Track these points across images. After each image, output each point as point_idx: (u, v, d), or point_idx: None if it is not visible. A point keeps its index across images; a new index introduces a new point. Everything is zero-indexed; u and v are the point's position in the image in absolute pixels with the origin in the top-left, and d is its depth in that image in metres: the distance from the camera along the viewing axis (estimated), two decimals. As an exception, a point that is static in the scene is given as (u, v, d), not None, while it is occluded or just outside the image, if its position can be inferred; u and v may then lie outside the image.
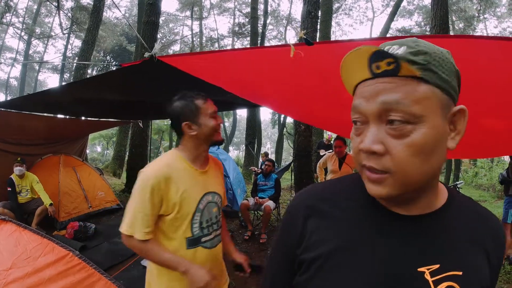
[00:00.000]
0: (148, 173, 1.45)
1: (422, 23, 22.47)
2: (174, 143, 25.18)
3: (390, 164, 0.56)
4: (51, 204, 4.96)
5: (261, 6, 21.84)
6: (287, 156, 30.94)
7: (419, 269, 0.59)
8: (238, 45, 27.42)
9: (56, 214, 5.27)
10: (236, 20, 25.72)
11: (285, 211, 0.77)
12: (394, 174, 0.56)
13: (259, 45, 17.46)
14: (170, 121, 1.64)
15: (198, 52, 1.71)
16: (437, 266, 0.60)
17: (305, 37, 1.22)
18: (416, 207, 0.63)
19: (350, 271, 0.61)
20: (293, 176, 7.55)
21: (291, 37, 26.91)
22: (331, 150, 5.19)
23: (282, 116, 26.07)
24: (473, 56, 1.17)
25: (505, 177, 4.61)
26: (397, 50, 0.56)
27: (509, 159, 4.76)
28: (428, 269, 0.59)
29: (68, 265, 2.23)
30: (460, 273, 0.60)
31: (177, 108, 1.54)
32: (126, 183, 8.95)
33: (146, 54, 1.73)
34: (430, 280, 0.59)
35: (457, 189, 6.65)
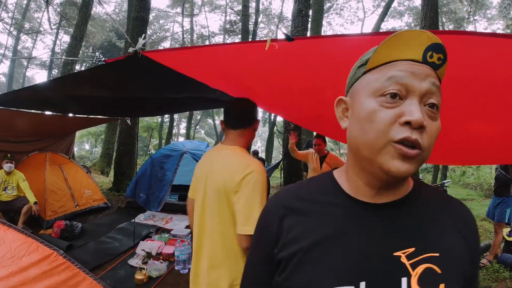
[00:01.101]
0: (262, 169, 1.54)
1: (412, 24, 22.70)
2: (163, 141, 25.00)
3: (426, 141, 0.59)
4: (35, 203, 4.87)
5: (253, 4, 21.83)
6: (278, 155, 30.98)
7: (395, 254, 0.61)
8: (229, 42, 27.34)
9: (42, 213, 5.20)
10: (228, 18, 25.66)
11: (261, 213, 0.78)
12: (425, 151, 0.59)
13: (250, 43, 17.42)
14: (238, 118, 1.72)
15: (183, 47, 1.67)
16: (412, 249, 0.61)
17: (285, 32, 1.23)
18: (388, 195, 0.66)
19: (328, 263, 0.62)
20: (282, 174, 7.55)
21: (282, 35, 26.91)
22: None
23: (273, 114, 26.11)
24: (464, 54, 1.16)
25: (508, 177, 4.49)
26: (444, 49, 0.61)
27: None
28: (403, 253, 0.61)
29: (52, 265, 2.21)
30: (437, 254, 0.61)
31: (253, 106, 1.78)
32: (114, 181, 8.85)
33: (131, 49, 1.69)
34: (407, 263, 0.60)
35: (444, 187, 6.74)
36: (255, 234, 0.78)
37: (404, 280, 0.59)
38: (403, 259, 0.60)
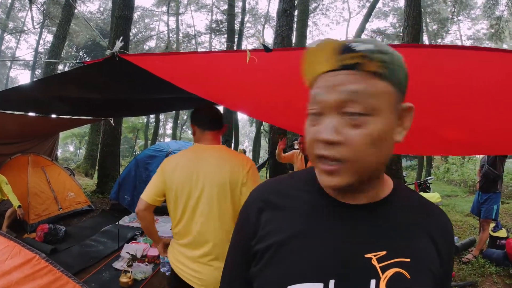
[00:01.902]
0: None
1: (397, 25, 23.00)
2: (149, 142, 24.76)
3: (347, 153, 0.58)
4: (19, 206, 4.77)
5: (239, 4, 21.78)
6: (265, 154, 31.03)
7: (366, 255, 0.62)
8: (215, 42, 27.26)
9: (26, 216, 5.10)
10: (214, 17, 25.54)
11: (242, 205, 0.79)
12: (350, 163, 0.58)
13: (236, 42, 17.39)
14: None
15: (162, 53, 1.67)
16: (384, 252, 0.62)
17: (263, 43, 1.24)
18: (364, 196, 0.67)
19: (299, 259, 0.63)
20: (268, 173, 7.57)
21: (269, 35, 26.94)
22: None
23: (260, 114, 26.06)
24: (440, 65, 1.21)
25: (496, 173, 4.54)
26: (360, 47, 0.58)
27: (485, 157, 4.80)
28: (375, 255, 0.62)
29: (35, 268, 2.18)
30: (408, 260, 0.62)
31: None
32: (98, 183, 8.72)
33: (108, 52, 1.67)
34: (377, 266, 0.61)
35: (427, 184, 6.87)
36: (237, 225, 0.80)
37: (373, 282, 0.60)
38: (374, 261, 0.61)
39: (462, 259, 4.53)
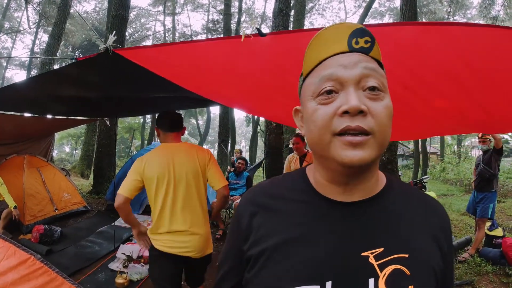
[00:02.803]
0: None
1: (393, 24, 23.06)
2: (145, 142, 24.71)
3: (373, 123, 0.58)
4: (15, 207, 4.74)
5: (236, 4, 21.78)
6: (261, 154, 31.05)
7: (363, 254, 0.60)
8: (212, 42, 27.16)
9: (21, 217, 5.08)
10: (210, 17, 25.52)
11: (235, 210, 0.79)
12: (376, 134, 0.58)
13: (233, 43, 17.35)
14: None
15: (156, 44, 1.66)
16: (381, 249, 0.61)
17: (258, 28, 1.25)
18: (357, 193, 0.66)
19: (295, 262, 0.62)
20: (264, 173, 7.56)
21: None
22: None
23: (257, 114, 26.06)
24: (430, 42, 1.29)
25: (491, 172, 4.56)
26: (371, 33, 0.62)
27: (481, 156, 4.82)
28: (372, 253, 0.60)
29: (30, 269, 2.19)
30: (406, 255, 0.61)
31: None
32: (93, 184, 8.68)
33: (101, 47, 1.67)
34: (375, 264, 0.60)
35: (423, 183, 6.89)
36: (230, 230, 0.79)
37: (371, 281, 0.58)
38: (371, 260, 0.60)
39: (459, 258, 4.54)
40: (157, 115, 2.42)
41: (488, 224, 4.75)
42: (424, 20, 21.60)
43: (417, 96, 1.84)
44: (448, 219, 0.72)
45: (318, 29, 1.32)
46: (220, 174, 2.34)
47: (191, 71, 1.93)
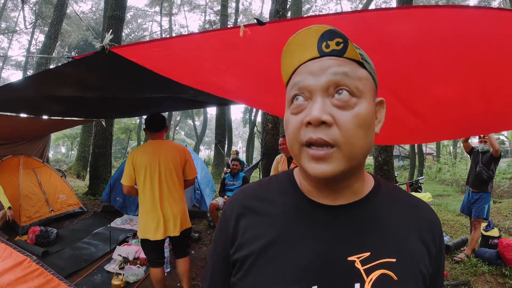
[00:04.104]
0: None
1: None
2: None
3: (338, 135, 0.55)
4: (9, 208, 4.71)
5: (233, 4, 21.79)
6: (258, 155, 31.07)
7: (349, 258, 0.59)
8: (208, 43, 27.16)
9: (17, 219, 5.05)
10: (207, 18, 25.51)
11: (221, 212, 0.78)
12: (341, 146, 0.56)
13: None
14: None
15: (152, 40, 1.64)
16: (368, 254, 0.60)
17: (256, 18, 1.24)
18: (344, 196, 0.64)
19: (281, 265, 0.61)
20: (261, 174, 7.56)
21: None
22: None
23: (253, 114, 26.13)
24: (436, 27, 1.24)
25: (490, 174, 4.58)
26: (341, 33, 0.58)
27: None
28: (358, 258, 0.59)
29: (26, 271, 2.20)
30: (394, 260, 0.60)
31: None
32: (89, 185, 8.63)
33: (97, 45, 1.66)
34: (361, 268, 0.58)
35: (419, 184, 6.92)
36: (216, 232, 0.77)
37: (357, 286, 0.57)
38: (358, 264, 0.59)
39: (455, 258, 4.56)
40: (143, 118, 2.64)
41: (484, 224, 4.77)
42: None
43: (406, 104, 1.83)
44: (439, 222, 0.70)
45: (319, 16, 1.33)
46: (193, 168, 3.12)
47: (190, 65, 1.92)
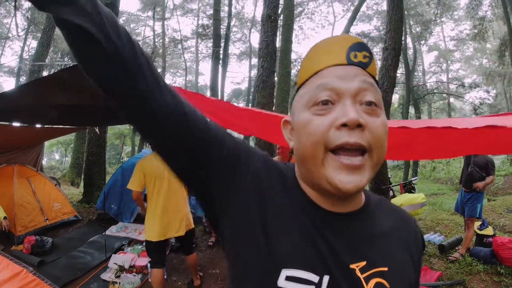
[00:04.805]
0: None
1: (381, 27, 23.28)
2: (136, 149, 24.54)
3: (372, 139, 0.56)
4: (5, 218, 4.67)
5: (225, 8, 21.80)
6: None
7: (351, 266, 0.60)
8: (202, 46, 27.27)
9: (13, 228, 5.02)
10: (200, 22, 25.49)
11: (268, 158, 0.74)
12: (373, 151, 0.57)
13: (222, 47, 17.39)
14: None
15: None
16: (364, 263, 0.61)
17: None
18: (349, 205, 0.65)
19: (296, 249, 0.60)
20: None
21: (255, 39, 27.04)
22: None
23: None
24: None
25: (482, 175, 4.63)
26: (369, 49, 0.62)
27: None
28: (357, 266, 0.60)
29: (23, 282, 2.25)
30: (386, 268, 0.61)
31: None
32: (84, 193, 8.58)
33: None
34: (361, 277, 0.59)
35: (412, 185, 6.95)
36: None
37: None
38: (358, 273, 0.60)
39: (449, 258, 4.59)
40: None
41: (478, 223, 4.81)
42: (411, 22, 21.88)
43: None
44: (419, 230, 0.74)
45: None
46: None
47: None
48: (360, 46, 0.60)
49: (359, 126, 0.55)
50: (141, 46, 0.59)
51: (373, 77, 0.62)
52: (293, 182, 0.68)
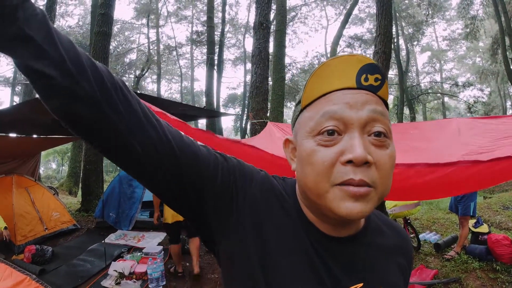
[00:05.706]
0: None
1: (373, 30, 23.50)
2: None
3: (377, 176, 0.53)
4: (5, 228, 4.71)
5: (219, 14, 21.89)
6: (252, 162, 30.98)
7: None
8: (197, 53, 27.35)
9: (13, 238, 5.06)
10: (194, 28, 25.58)
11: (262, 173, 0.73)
12: (378, 187, 0.54)
13: (216, 53, 17.46)
14: None
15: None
16: (361, 285, 0.60)
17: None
18: (349, 228, 0.64)
19: (295, 272, 0.59)
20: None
21: (249, 45, 27.13)
22: None
23: (244, 122, 26.17)
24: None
25: None
26: (381, 69, 0.58)
27: None
28: None
29: None
30: None
31: None
32: (82, 201, 8.58)
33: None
34: None
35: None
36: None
37: None
38: None
39: (445, 256, 4.65)
40: None
41: (473, 221, 4.86)
42: (403, 24, 22.06)
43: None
44: (411, 248, 0.77)
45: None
46: None
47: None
48: (372, 68, 0.56)
49: (366, 163, 0.52)
50: (111, 73, 0.55)
51: (384, 101, 0.59)
52: (293, 200, 0.66)
